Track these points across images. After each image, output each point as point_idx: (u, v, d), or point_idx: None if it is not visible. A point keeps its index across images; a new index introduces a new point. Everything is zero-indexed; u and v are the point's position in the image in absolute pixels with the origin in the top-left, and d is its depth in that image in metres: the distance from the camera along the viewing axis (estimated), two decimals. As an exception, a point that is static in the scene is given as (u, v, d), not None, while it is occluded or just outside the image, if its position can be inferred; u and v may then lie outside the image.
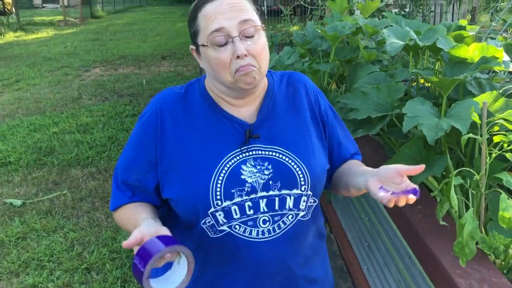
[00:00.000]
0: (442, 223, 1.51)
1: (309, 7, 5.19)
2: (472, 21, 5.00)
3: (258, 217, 1.11)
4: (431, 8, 4.85)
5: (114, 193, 1.20)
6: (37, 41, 12.98)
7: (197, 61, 1.19)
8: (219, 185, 1.09)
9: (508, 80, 2.13)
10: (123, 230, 1.16)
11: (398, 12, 4.91)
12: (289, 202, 1.13)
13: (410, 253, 1.66)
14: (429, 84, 2.16)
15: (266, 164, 1.12)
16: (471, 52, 1.68)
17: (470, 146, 1.64)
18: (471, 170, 1.33)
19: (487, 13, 4.81)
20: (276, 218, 1.12)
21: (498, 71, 1.96)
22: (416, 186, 0.97)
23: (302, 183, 1.14)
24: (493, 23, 4.19)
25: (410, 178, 1.61)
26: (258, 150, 1.13)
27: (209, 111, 1.16)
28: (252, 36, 1.07)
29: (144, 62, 9.72)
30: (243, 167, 1.11)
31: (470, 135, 1.30)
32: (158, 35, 14.00)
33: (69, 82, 7.97)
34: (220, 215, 1.09)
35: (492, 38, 4.04)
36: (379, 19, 2.79)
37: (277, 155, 1.14)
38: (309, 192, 1.15)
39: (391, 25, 2.31)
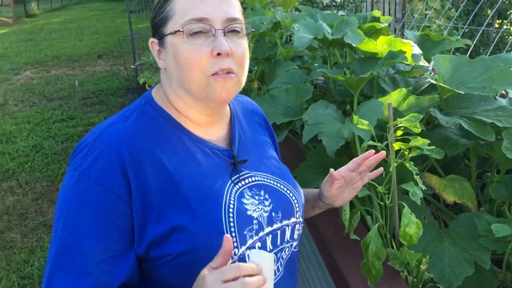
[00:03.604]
0: (353, 237, 1.38)
1: None
2: (403, 10, 4.97)
3: None
4: (362, -2, 4.77)
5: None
6: (-38, 44, 12.16)
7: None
8: (233, 229, 0.88)
9: (432, 72, 2.03)
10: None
11: (330, 3, 4.81)
12: (287, 234, 0.99)
13: (326, 272, 1.53)
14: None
15: (262, 193, 0.96)
16: (380, 46, 1.55)
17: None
18: (371, 182, 1.19)
19: (420, 1, 4.78)
20: (278, 255, 0.97)
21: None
22: None
23: (297, 209, 1.01)
24: (429, 12, 4.16)
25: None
26: (249, 177, 0.97)
27: (183, 139, 0.92)
28: (236, 37, 0.89)
29: (79, 62, 9.26)
30: (244, 200, 0.93)
31: (370, 142, 1.16)
32: (96, 33, 13.41)
33: (-5, 87, 7.46)
34: None
35: (427, 26, 4.00)
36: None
37: (269, 181, 0.99)
38: (301, 219, 1.03)
39: (305, 19, 2.16)
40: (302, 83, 1.90)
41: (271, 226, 0.95)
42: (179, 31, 0.86)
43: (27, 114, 5.83)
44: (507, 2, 3.65)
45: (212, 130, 0.98)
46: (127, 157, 0.85)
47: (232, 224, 0.88)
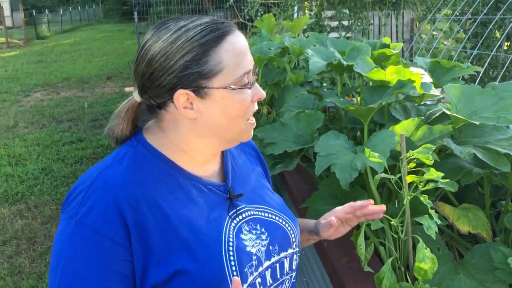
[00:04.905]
0: (366, 269, 1.36)
1: (249, 23, 5.05)
2: (411, 32, 4.99)
3: None
4: (370, 21, 4.81)
5: None
6: (-25, 66, 12.36)
7: None
8: (234, 268, 0.87)
9: (442, 96, 2.01)
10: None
11: (337, 26, 4.84)
12: (286, 266, 0.99)
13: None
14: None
15: (258, 227, 0.96)
16: (389, 75, 1.55)
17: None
18: (385, 215, 1.17)
19: (428, 24, 4.80)
20: None
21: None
22: None
23: (293, 240, 1.01)
24: (435, 33, 4.16)
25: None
26: (246, 211, 0.96)
27: (178, 178, 0.90)
28: None
29: (88, 83, 9.37)
30: (242, 236, 0.92)
31: (383, 175, 1.15)
32: (105, 54, 13.61)
33: (6, 109, 7.54)
34: None
35: (436, 48, 4.01)
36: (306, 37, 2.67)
37: (264, 214, 0.99)
38: (297, 249, 1.03)
39: (315, 45, 2.17)
40: (314, 108, 1.90)
41: (269, 260, 0.94)
42: (232, 88, 0.86)
43: (37, 136, 5.88)
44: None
45: (207, 166, 0.96)
46: (125, 202, 0.82)
47: (233, 263, 0.87)
